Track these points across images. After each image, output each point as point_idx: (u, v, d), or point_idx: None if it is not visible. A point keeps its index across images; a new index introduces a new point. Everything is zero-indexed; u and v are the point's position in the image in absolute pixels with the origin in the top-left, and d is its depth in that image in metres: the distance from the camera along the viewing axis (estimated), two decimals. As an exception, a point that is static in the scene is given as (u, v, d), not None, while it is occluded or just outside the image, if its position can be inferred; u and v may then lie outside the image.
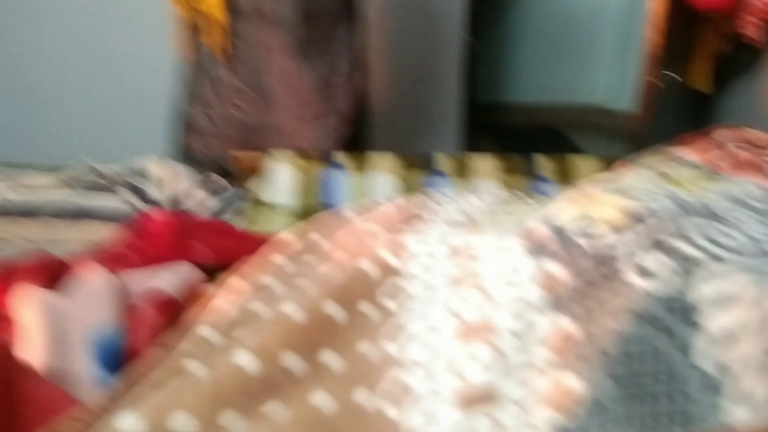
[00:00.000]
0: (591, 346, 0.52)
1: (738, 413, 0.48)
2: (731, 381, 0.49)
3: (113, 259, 0.96)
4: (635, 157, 1.05)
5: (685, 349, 0.51)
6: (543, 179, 1.28)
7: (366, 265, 0.71)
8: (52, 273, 0.88)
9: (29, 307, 0.74)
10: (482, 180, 1.27)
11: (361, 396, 0.59)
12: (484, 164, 1.32)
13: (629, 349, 0.51)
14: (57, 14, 2.08)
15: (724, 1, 1.40)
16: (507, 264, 0.63)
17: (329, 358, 0.64)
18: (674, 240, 0.57)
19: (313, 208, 1.24)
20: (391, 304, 0.68)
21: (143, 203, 1.32)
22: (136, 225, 1.08)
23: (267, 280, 0.79)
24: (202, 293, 0.89)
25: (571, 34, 2.98)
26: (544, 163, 1.32)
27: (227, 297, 0.76)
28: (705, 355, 0.50)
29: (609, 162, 1.26)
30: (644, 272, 0.55)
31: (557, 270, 0.60)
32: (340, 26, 1.60)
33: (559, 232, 0.63)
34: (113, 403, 0.59)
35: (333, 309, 0.67)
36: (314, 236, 0.88)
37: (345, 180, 1.28)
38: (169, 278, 0.87)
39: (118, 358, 0.70)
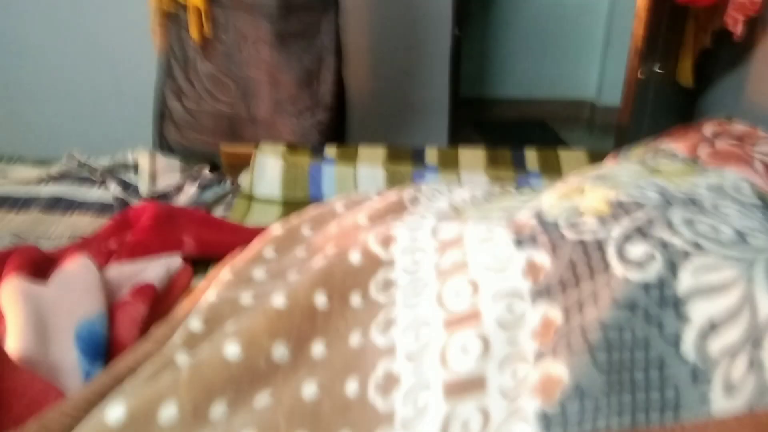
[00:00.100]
0: (578, 337, 0.52)
1: (727, 404, 0.48)
2: (720, 372, 0.49)
3: (99, 252, 0.96)
4: (623, 150, 1.05)
5: (673, 340, 0.51)
6: (531, 172, 1.29)
7: (355, 256, 0.71)
8: (38, 266, 0.87)
9: (10, 298, 0.74)
10: (470, 173, 1.27)
11: (351, 387, 0.59)
12: (473, 157, 1.32)
13: (616, 340, 0.51)
14: (44, 7, 2.05)
15: (709, -3, 1.42)
16: (495, 255, 0.63)
17: (319, 349, 0.64)
18: (661, 232, 0.57)
19: (301, 201, 1.24)
20: (380, 296, 0.69)
21: (132, 196, 1.31)
22: (123, 217, 1.08)
23: (256, 272, 0.79)
24: (189, 286, 0.89)
25: (558, 29, 2.99)
26: (531, 157, 1.33)
27: (216, 290, 0.75)
28: (693, 346, 0.50)
29: (597, 156, 1.27)
30: (631, 263, 0.55)
31: (545, 261, 0.60)
32: (325, 18, 1.59)
33: (547, 224, 0.63)
34: (101, 395, 0.59)
35: (323, 300, 0.67)
36: (303, 229, 0.88)
37: (334, 173, 1.28)
38: (156, 270, 0.87)
39: (101, 349, 0.70)
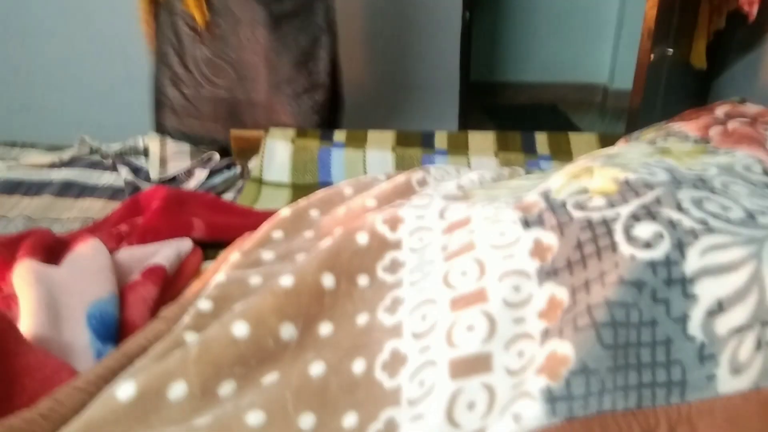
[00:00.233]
0: (585, 316, 0.52)
1: (733, 383, 0.48)
2: (727, 352, 0.49)
3: (110, 236, 0.97)
4: (635, 133, 1.04)
5: (680, 319, 0.51)
6: (541, 156, 1.28)
7: (363, 238, 0.72)
8: (51, 249, 0.88)
9: (24, 279, 0.75)
10: (480, 157, 1.26)
11: (358, 366, 0.60)
12: (482, 141, 1.32)
13: (622, 318, 0.51)
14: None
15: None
16: (502, 235, 0.63)
17: (327, 329, 0.64)
18: (670, 211, 0.57)
19: (311, 185, 1.25)
20: (387, 277, 0.69)
21: (143, 181, 1.32)
22: (133, 202, 1.09)
23: (265, 254, 0.80)
24: (199, 269, 0.90)
25: (570, 12, 2.95)
26: (542, 140, 1.32)
27: (225, 271, 0.76)
28: (701, 325, 0.50)
29: (608, 139, 1.26)
30: (640, 243, 0.55)
31: (552, 241, 0.60)
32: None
33: (554, 204, 0.63)
34: (113, 373, 0.60)
35: (330, 281, 0.67)
36: (312, 211, 0.88)
37: (343, 157, 1.28)
38: (166, 253, 0.88)
39: (112, 329, 0.71)
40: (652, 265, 0.53)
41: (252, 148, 1.37)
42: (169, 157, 1.39)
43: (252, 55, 1.55)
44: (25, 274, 0.77)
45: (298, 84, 1.57)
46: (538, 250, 0.60)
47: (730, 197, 0.61)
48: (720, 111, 0.96)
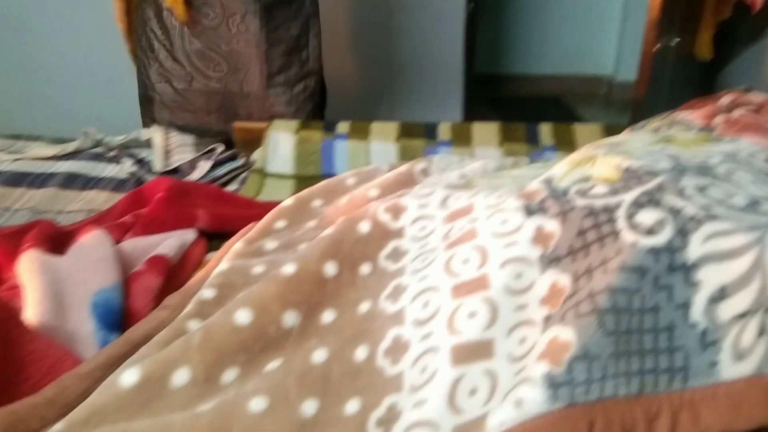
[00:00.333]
0: (587, 302, 0.52)
1: (736, 369, 0.48)
2: (729, 338, 0.49)
3: (115, 227, 0.97)
4: (640, 123, 1.04)
5: (682, 306, 0.51)
6: (545, 147, 1.28)
7: (365, 226, 0.72)
8: (55, 240, 0.89)
9: (28, 269, 0.75)
10: (484, 148, 1.26)
11: (361, 353, 0.60)
12: (486, 132, 1.31)
13: (625, 304, 0.51)
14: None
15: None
16: (505, 224, 0.63)
17: (329, 316, 0.65)
18: (673, 198, 0.56)
19: (314, 176, 1.25)
20: (390, 265, 0.69)
21: (146, 173, 1.32)
22: (137, 193, 1.09)
23: (268, 243, 0.80)
24: (203, 259, 0.91)
25: (575, 3, 2.94)
26: (546, 131, 1.32)
27: (229, 260, 0.76)
28: (703, 312, 0.50)
29: (612, 130, 1.26)
30: (642, 230, 0.54)
31: (554, 228, 0.60)
32: None
33: (557, 192, 0.63)
34: (117, 360, 0.61)
35: (332, 269, 0.67)
36: (314, 201, 0.88)
37: (346, 148, 1.28)
38: (170, 244, 0.88)
39: (117, 318, 0.71)
40: (655, 251, 0.53)
41: (255, 140, 1.37)
42: (172, 149, 1.40)
43: (244, 46, 1.54)
44: (30, 264, 0.78)
45: (291, 72, 1.57)
46: (541, 237, 0.60)
47: (734, 184, 0.61)
48: (725, 100, 0.95)
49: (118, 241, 0.91)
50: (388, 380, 0.57)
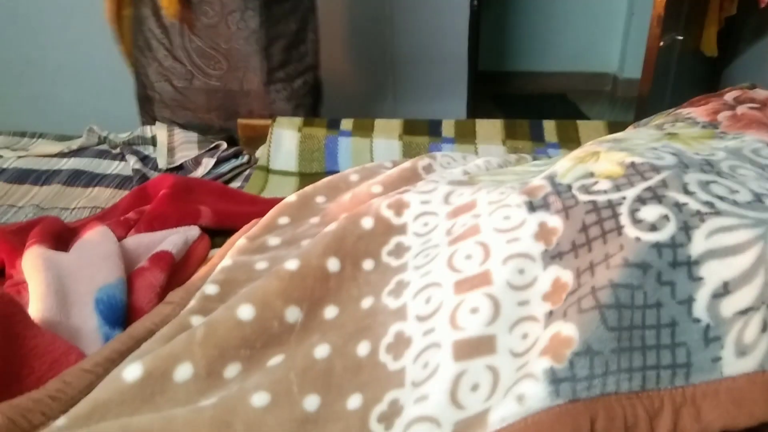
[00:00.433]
0: (589, 297, 0.52)
1: (738, 365, 0.48)
2: (732, 334, 0.49)
3: (119, 223, 0.97)
4: (644, 120, 1.04)
5: (686, 302, 0.51)
6: (549, 144, 1.27)
7: (368, 222, 0.72)
8: (60, 236, 0.89)
9: (32, 264, 0.76)
10: (488, 145, 1.26)
11: (363, 348, 0.60)
12: (490, 129, 1.31)
13: (627, 300, 0.51)
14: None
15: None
16: (508, 220, 0.63)
17: (332, 312, 0.65)
18: (677, 194, 0.56)
19: (318, 173, 1.25)
20: (392, 261, 0.69)
21: (150, 170, 1.33)
22: (141, 190, 1.09)
23: (272, 240, 0.80)
24: (206, 256, 0.91)
25: (579, 0, 2.93)
26: (550, 128, 1.31)
27: (233, 257, 0.76)
28: (706, 307, 0.50)
29: (616, 127, 1.25)
30: (645, 226, 0.54)
31: (557, 224, 0.60)
32: None
33: (560, 187, 0.63)
34: (120, 355, 0.61)
35: (335, 264, 0.68)
36: (318, 197, 0.88)
37: (350, 145, 1.28)
38: (174, 240, 0.88)
39: (120, 313, 0.72)
40: (658, 247, 0.52)
41: (259, 137, 1.37)
42: (176, 146, 1.40)
43: (244, 43, 1.54)
44: (34, 260, 0.78)
45: (290, 68, 1.57)
46: (543, 233, 0.60)
47: (738, 180, 0.60)
48: (729, 96, 0.95)
49: (121, 238, 0.91)
50: (390, 375, 0.57)
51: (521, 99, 3.02)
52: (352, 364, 0.59)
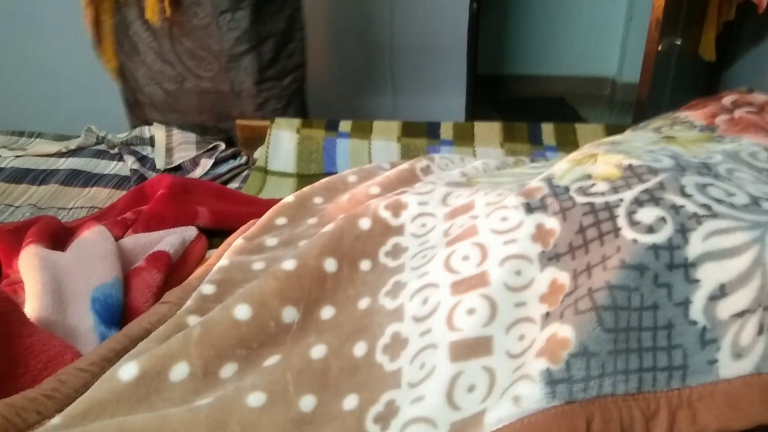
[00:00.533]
0: (586, 299, 0.52)
1: (735, 368, 0.48)
2: (729, 336, 0.49)
3: (116, 223, 0.97)
4: (642, 123, 1.04)
5: (683, 304, 0.51)
6: (548, 147, 1.28)
7: (365, 223, 0.72)
8: (56, 236, 0.89)
9: (29, 263, 0.75)
10: (486, 147, 1.26)
11: (360, 349, 0.60)
12: (488, 131, 1.31)
13: (624, 301, 0.51)
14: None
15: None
16: (505, 221, 0.63)
17: (329, 312, 0.65)
18: (674, 196, 0.56)
19: (316, 174, 1.25)
20: (389, 261, 0.69)
21: (148, 170, 1.33)
22: (139, 190, 1.09)
23: (269, 240, 0.80)
24: (203, 256, 0.91)
25: (579, 3, 2.93)
26: (548, 131, 1.32)
27: (230, 257, 0.76)
28: (703, 310, 0.50)
29: (614, 130, 1.26)
30: (643, 228, 0.54)
31: (554, 225, 0.60)
32: None
33: (557, 189, 0.63)
34: (116, 354, 0.61)
35: (332, 265, 0.67)
36: (315, 198, 0.88)
37: (348, 147, 1.28)
38: (171, 240, 0.88)
39: (116, 313, 0.71)
40: (655, 249, 0.53)
41: (257, 138, 1.37)
42: (174, 147, 1.40)
43: (235, 44, 1.53)
44: (30, 259, 0.78)
45: (279, 66, 1.57)
46: (541, 234, 0.60)
47: (735, 183, 0.60)
48: (727, 100, 0.95)
49: (119, 238, 0.91)
50: (386, 376, 0.57)
51: (520, 102, 3.02)
52: (349, 365, 0.59)
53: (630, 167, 0.61)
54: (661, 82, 1.56)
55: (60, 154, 1.39)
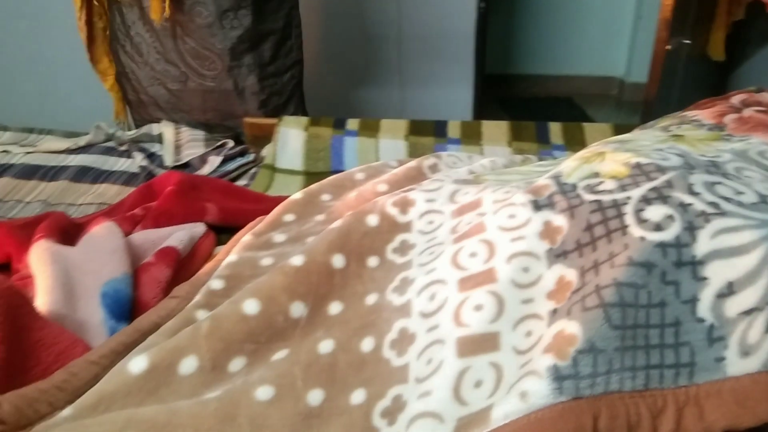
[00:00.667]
0: (593, 295, 0.52)
1: (742, 365, 0.48)
2: (736, 334, 0.49)
3: (125, 219, 0.98)
4: (650, 123, 1.04)
5: (690, 302, 0.51)
6: (555, 146, 1.28)
7: (373, 219, 0.72)
8: (66, 231, 0.90)
9: (39, 258, 0.76)
10: (493, 146, 1.26)
11: (367, 344, 0.61)
12: (496, 130, 1.31)
13: (631, 299, 0.51)
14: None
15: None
16: (513, 218, 0.63)
17: (336, 308, 0.65)
18: (682, 195, 0.56)
19: (323, 172, 1.25)
20: (397, 258, 0.69)
21: (157, 167, 1.33)
22: (148, 186, 1.10)
23: (277, 237, 0.80)
24: (212, 252, 0.91)
25: (587, 3, 2.93)
26: (556, 130, 1.32)
27: (238, 252, 0.77)
28: (710, 307, 0.50)
29: (622, 129, 1.25)
30: (650, 225, 0.54)
31: (562, 223, 0.60)
32: None
33: (565, 186, 0.63)
34: (126, 347, 0.61)
35: (340, 261, 0.68)
36: (323, 195, 0.89)
37: (355, 145, 1.29)
38: (180, 236, 0.89)
39: (126, 308, 0.72)
40: (662, 246, 0.53)
41: (265, 136, 1.38)
42: (183, 144, 1.41)
43: (238, 42, 1.54)
44: (41, 254, 0.79)
45: (279, 63, 1.58)
46: (548, 232, 0.60)
47: (743, 182, 0.60)
48: (736, 99, 0.95)
49: (128, 233, 0.92)
50: (393, 371, 0.57)
51: (527, 102, 3.02)
52: (356, 360, 0.59)
53: (638, 165, 0.61)
54: (670, 82, 1.56)
55: (69, 151, 1.40)
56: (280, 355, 0.60)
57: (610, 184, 0.61)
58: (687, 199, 0.56)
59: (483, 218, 0.66)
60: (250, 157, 1.39)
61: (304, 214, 0.85)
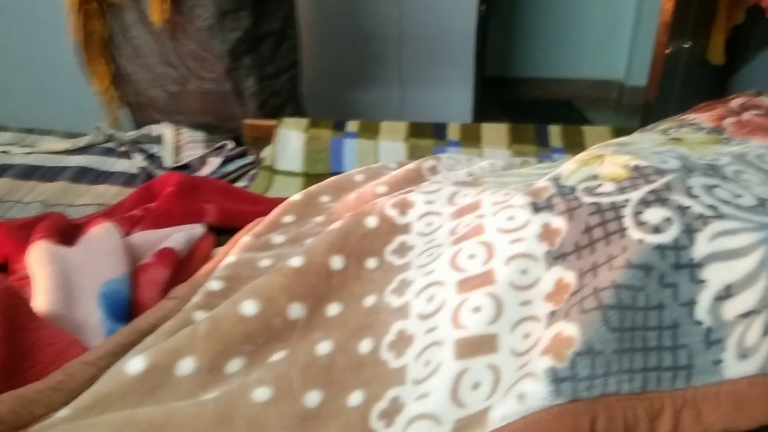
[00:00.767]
0: (591, 298, 0.52)
1: (740, 368, 0.48)
2: (734, 337, 0.49)
3: (124, 220, 0.98)
4: (650, 126, 1.04)
5: (688, 304, 0.51)
6: (554, 149, 1.28)
7: (372, 221, 0.72)
8: (65, 232, 0.90)
9: (38, 258, 0.76)
10: (493, 149, 1.26)
11: (365, 346, 0.61)
12: (495, 133, 1.31)
13: (629, 301, 0.51)
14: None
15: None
16: (511, 220, 0.63)
17: (335, 309, 0.65)
18: (681, 197, 0.56)
19: (323, 174, 1.25)
20: (396, 259, 0.69)
21: (156, 168, 1.33)
22: (147, 187, 1.10)
23: (276, 238, 0.80)
24: (210, 253, 0.91)
25: (587, 6, 2.93)
26: (555, 133, 1.32)
27: (237, 254, 0.77)
28: (708, 310, 0.50)
29: (622, 132, 1.25)
30: (649, 228, 0.54)
31: (561, 225, 0.60)
32: None
33: (564, 189, 0.63)
34: (123, 349, 0.61)
35: (338, 262, 0.68)
36: (322, 197, 0.89)
37: (355, 147, 1.29)
38: (179, 237, 0.89)
39: (124, 309, 0.72)
40: (661, 249, 0.53)
41: (265, 137, 1.38)
42: (183, 145, 1.41)
43: (238, 44, 1.53)
44: (40, 254, 0.79)
45: (278, 64, 1.57)
46: (547, 234, 0.60)
47: (742, 185, 0.60)
48: (735, 103, 0.95)
49: (127, 234, 0.92)
50: (391, 373, 0.57)
51: (527, 105, 3.02)
52: (354, 361, 0.59)
53: (637, 168, 0.61)
54: (669, 86, 1.56)
55: (69, 152, 1.40)
56: (278, 356, 0.60)
57: (609, 187, 0.61)
58: (685, 201, 0.56)
59: (482, 220, 0.66)
60: (250, 158, 1.39)
61: (303, 215, 0.85)
